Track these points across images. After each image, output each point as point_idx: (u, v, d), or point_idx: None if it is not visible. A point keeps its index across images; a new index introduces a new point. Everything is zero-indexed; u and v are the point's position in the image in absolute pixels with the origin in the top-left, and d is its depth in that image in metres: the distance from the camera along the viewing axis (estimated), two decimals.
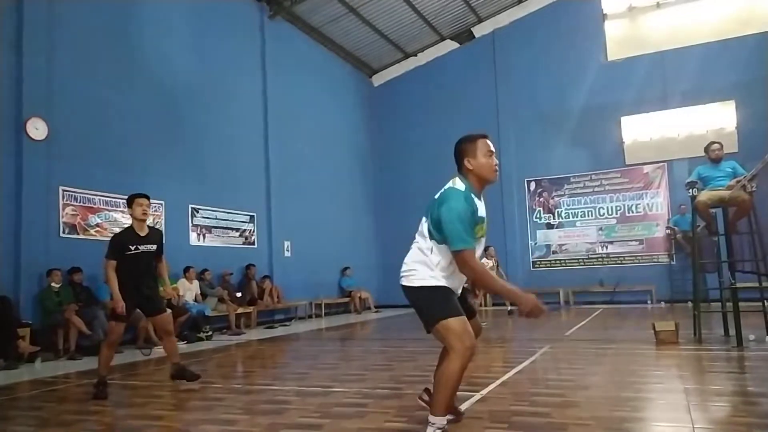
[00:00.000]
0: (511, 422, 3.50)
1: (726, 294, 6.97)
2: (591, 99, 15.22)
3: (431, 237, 3.06)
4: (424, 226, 3.13)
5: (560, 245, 15.67)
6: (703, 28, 14.31)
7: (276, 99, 13.48)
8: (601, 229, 15.27)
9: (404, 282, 3.15)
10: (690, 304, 11.04)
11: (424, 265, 3.07)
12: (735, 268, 6.90)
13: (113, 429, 4.06)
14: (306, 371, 6.08)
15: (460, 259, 2.93)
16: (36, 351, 7.39)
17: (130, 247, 5.02)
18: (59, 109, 8.69)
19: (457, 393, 3.63)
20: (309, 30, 15.06)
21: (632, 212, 14.95)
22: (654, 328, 6.85)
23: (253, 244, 12.66)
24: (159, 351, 7.95)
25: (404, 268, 3.16)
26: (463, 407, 3.79)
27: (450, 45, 17.21)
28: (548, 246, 15.80)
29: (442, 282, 3.06)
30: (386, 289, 16.17)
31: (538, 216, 15.96)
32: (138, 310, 5.32)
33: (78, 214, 8.88)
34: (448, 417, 3.27)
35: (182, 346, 8.19)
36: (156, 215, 10.00)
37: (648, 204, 14.81)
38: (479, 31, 16.81)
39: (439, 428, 3.01)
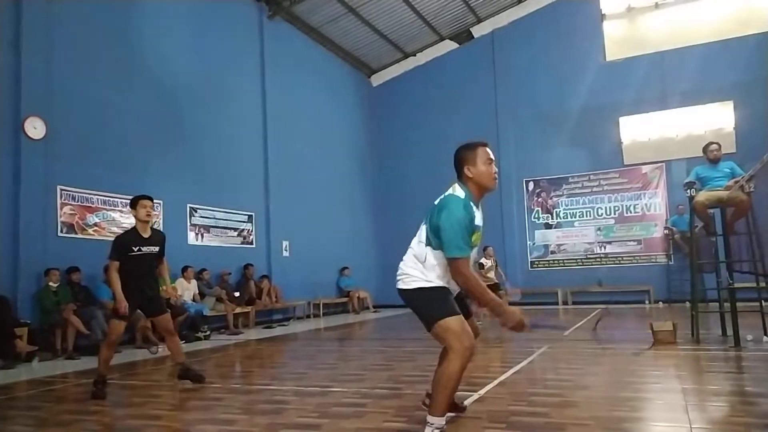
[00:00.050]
0: (510, 422, 3.51)
1: (724, 294, 6.98)
2: (590, 99, 15.24)
3: (428, 243, 3.08)
4: (422, 231, 3.15)
5: (558, 245, 15.69)
6: (701, 28, 14.34)
7: (275, 99, 13.47)
8: (599, 229, 15.29)
9: (401, 285, 3.17)
10: (688, 304, 11.10)
11: (420, 270, 3.10)
12: (733, 269, 6.91)
13: (112, 429, 4.06)
14: (304, 371, 6.08)
15: (455, 267, 2.95)
16: (34, 350, 7.39)
17: (133, 248, 5.05)
18: (58, 109, 8.68)
19: (457, 393, 3.66)
20: (308, 30, 15.05)
21: (630, 212, 14.97)
22: (652, 328, 6.85)
23: (252, 243, 12.66)
24: (162, 350, 7.96)
25: (400, 272, 3.19)
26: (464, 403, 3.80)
27: (449, 45, 17.21)
28: (546, 246, 15.81)
29: (438, 283, 3.09)
30: (385, 289, 16.16)
31: (536, 216, 15.98)
32: (138, 310, 5.34)
33: (76, 214, 8.87)
34: (449, 415, 3.28)
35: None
36: (154, 215, 9.98)
37: (646, 204, 14.83)
38: (478, 31, 16.82)
39: (437, 428, 3.02)
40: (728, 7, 14.27)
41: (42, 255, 8.20)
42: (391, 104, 17.89)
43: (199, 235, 11.29)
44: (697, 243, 7.73)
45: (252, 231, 12.67)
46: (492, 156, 3.18)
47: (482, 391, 4.39)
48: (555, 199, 15.76)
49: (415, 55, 17.55)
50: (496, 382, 4.79)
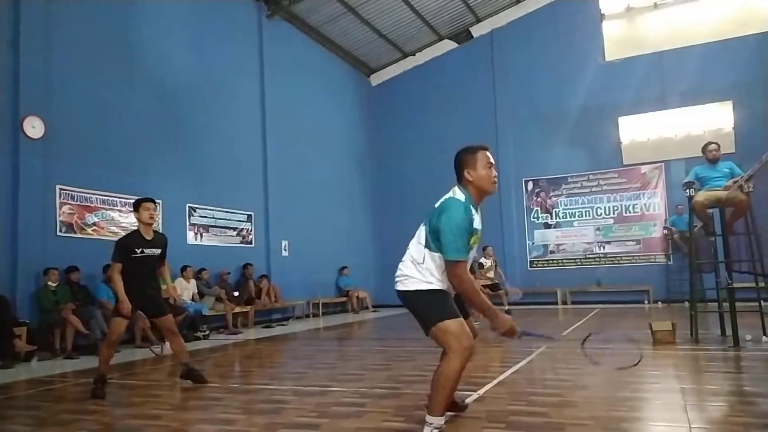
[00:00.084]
0: (509, 422, 3.51)
1: (723, 294, 6.99)
2: (589, 99, 15.25)
3: (427, 245, 3.09)
4: (422, 233, 3.16)
5: (558, 245, 15.69)
6: (700, 28, 14.35)
7: (274, 98, 13.47)
8: (598, 229, 15.29)
9: (399, 287, 3.19)
10: (687, 304, 11.11)
11: (418, 271, 3.11)
12: (732, 269, 6.91)
13: (111, 428, 4.05)
14: (303, 371, 6.08)
15: (452, 269, 2.97)
16: (33, 350, 7.38)
17: (136, 250, 5.08)
18: (57, 108, 8.67)
19: (456, 393, 3.66)
20: (307, 29, 15.05)
21: (629, 212, 14.98)
22: (651, 328, 6.86)
23: (251, 243, 12.65)
24: (161, 350, 7.95)
25: (398, 273, 3.21)
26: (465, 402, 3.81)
27: (448, 45, 17.21)
28: (546, 246, 15.82)
29: (436, 285, 3.10)
30: (384, 288, 16.16)
31: (535, 216, 15.98)
32: (138, 311, 5.36)
33: (75, 213, 8.87)
34: (449, 414, 3.29)
35: None
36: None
37: (645, 204, 14.84)
38: (477, 30, 16.82)
39: (436, 428, 3.03)
40: (727, 7, 14.28)
41: (41, 254, 8.20)
42: (390, 104, 17.89)
43: (199, 235, 11.29)
44: (696, 243, 7.74)
45: (251, 230, 12.67)
46: (492, 160, 3.20)
47: (481, 391, 4.39)
48: (554, 198, 15.77)
49: (414, 55, 17.55)
50: (495, 381, 4.79)
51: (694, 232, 7.55)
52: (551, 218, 15.80)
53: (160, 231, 5.51)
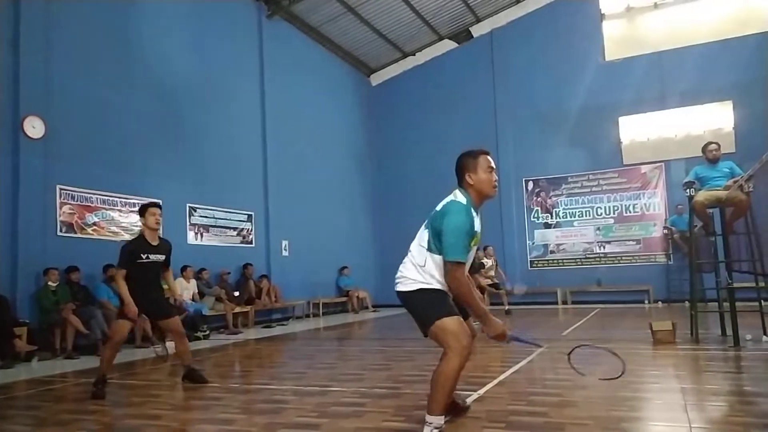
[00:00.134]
0: (509, 422, 3.51)
1: (723, 294, 6.99)
2: (589, 99, 15.24)
3: (429, 248, 3.12)
4: (423, 236, 3.18)
5: (558, 245, 15.69)
6: (700, 28, 14.34)
7: (274, 98, 13.47)
8: (598, 228, 15.29)
9: (399, 288, 3.21)
10: (687, 303, 11.10)
11: (419, 273, 3.14)
12: (732, 268, 6.91)
13: (111, 428, 4.05)
14: (303, 371, 6.08)
15: (451, 270, 3.00)
16: (33, 350, 7.39)
17: (141, 255, 5.10)
18: (57, 108, 8.67)
19: (456, 392, 3.66)
20: (307, 29, 15.05)
21: (630, 212, 14.97)
22: (651, 327, 6.86)
23: (251, 243, 12.66)
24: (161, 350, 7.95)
25: (399, 275, 3.24)
26: (467, 402, 3.80)
27: (448, 44, 17.21)
28: (546, 246, 15.81)
29: (436, 285, 3.12)
30: (384, 288, 16.16)
31: (535, 216, 15.98)
32: (143, 315, 5.39)
33: (75, 213, 8.87)
34: (448, 417, 3.29)
35: None
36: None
37: (645, 204, 14.83)
38: (477, 30, 16.82)
39: (436, 428, 3.03)
40: (727, 7, 14.27)
41: (41, 254, 8.20)
42: (390, 104, 17.89)
43: (199, 235, 11.29)
44: (697, 243, 7.74)
45: (251, 230, 12.67)
46: (493, 164, 3.23)
47: (482, 391, 4.39)
48: (554, 198, 15.77)
49: (414, 55, 17.55)
50: (495, 381, 4.79)
51: (695, 232, 7.54)
52: (551, 218, 15.80)
53: (166, 238, 5.50)
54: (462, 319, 3.12)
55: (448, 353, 2.99)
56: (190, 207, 11.10)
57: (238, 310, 11.14)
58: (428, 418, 3.06)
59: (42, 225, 8.30)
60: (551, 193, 15.79)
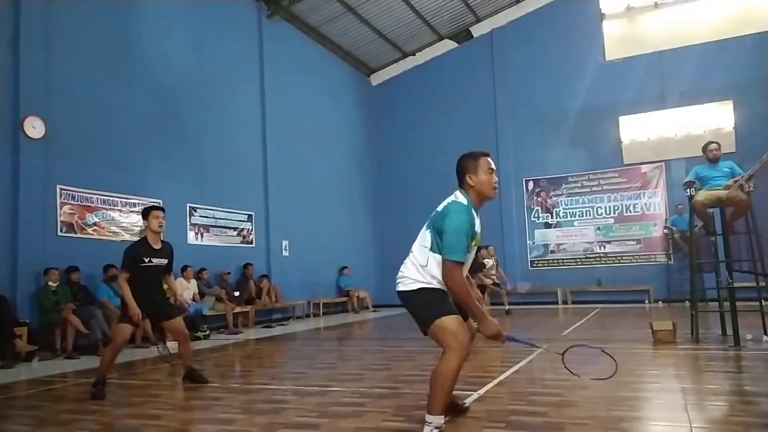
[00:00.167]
0: (509, 422, 3.51)
1: (723, 294, 6.98)
2: (589, 99, 15.24)
3: (431, 248, 3.14)
4: (426, 236, 3.20)
5: (558, 245, 15.68)
6: (701, 28, 14.34)
7: (274, 98, 13.47)
8: (598, 228, 15.29)
9: (400, 287, 3.24)
10: (687, 303, 11.10)
11: (420, 273, 3.17)
12: (732, 268, 6.91)
13: (111, 428, 4.05)
14: (303, 371, 6.08)
15: (449, 269, 3.02)
16: (33, 350, 7.39)
17: (144, 259, 5.12)
18: (57, 108, 8.68)
19: (456, 392, 3.66)
20: (307, 29, 15.05)
21: (630, 212, 14.97)
22: (651, 327, 6.85)
23: (251, 243, 12.66)
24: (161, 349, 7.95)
25: (400, 275, 3.26)
26: (465, 403, 3.80)
27: (448, 44, 17.21)
28: (546, 245, 15.81)
29: (437, 285, 3.14)
30: (384, 288, 16.16)
31: (536, 215, 15.98)
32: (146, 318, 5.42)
33: (76, 213, 8.87)
34: (448, 417, 3.30)
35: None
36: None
37: (646, 204, 14.83)
38: (477, 30, 16.82)
39: (436, 427, 3.03)
40: (727, 7, 14.27)
41: (41, 254, 8.20)
42: (390, 104, 17.89)
43: (199, 235, 11.29)
44: (697, 242, 7.73)
45: (251, 230, 12.67)
46: (493, 166, 3.27)
47: (482, 391, 4.39)
48: (554, 198, 15.76)
49: (414, 55, 17.55)
50: (495, 381, 4.79)
51: (695, 232, 7.54)
52: (551, 218, 15.80)
53: (168, 241, 5.51)
54: (462, 319, 3.13)
55: (446, 352, 3.01)
56: (190, 207, 11.10)
57: (238, 310, 11.14)
58: (428, 417, 3.06)
59: (42, 225, 8.30)
60: (551, 193, 15.79)
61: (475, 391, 4.36)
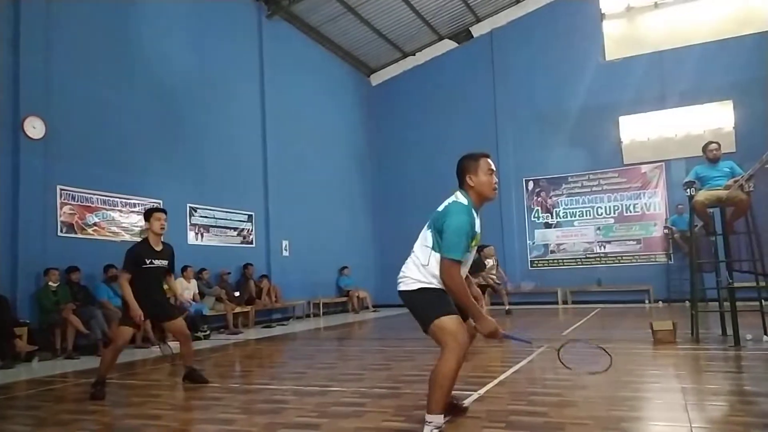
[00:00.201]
0: (509, 422, 3.51)
1: (723, 293, 6.98)
2: (589, 99, 15.24)
3: (433, 247, 3.17)
4: (428, 237, 3.23)
5: (558, 245, 15.68)
6: (701, 28, 14.34)
7: (274, 98, 13.47)
8: (598, 228, 15.29)
9: (402, 287, 3.27)
10: (687, 303, 11.10)
11: (422, 273, 3.20)
12: (732, 268, 6.91)
13: (111, 428, 4.05)
14: (303, 371, 6.08)
15: (446, 267, 3.05)
16: (33, 350, 7.39)
17: (146, 260, 5.14)
18: (57, 108, 8.67)
19: (456, 392, 3.66)
20: (307, 29, 15.05)
21: (630, 212, 14.97)
22: (651, 327, 6.86)
23: (251, 243, 12.66)
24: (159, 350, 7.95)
25: (401, 275, 3.29)
26: (464, 404, 3.80)
27: (448, 44, 17.21)
28: (546, 245, 15.81)
29: (438, 285, 3.16)
30: (384, 288, 16.17)
31: (536, 215, 15.98)
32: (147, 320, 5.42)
33: (76, 213, 8.87)
34: (448, 417, 3.31)
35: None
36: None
37: (646, 204, 14.83)
38: (477, 30, 16.82)
39: (436, 427, 3.04)
40: (727, 6, 14.27)
41: (41, 255, 8.20)
42: (390, 104, 17.89)
43: (199, 235, 11.29)
44: (697, 242, 7.73)
45: (252, 231, 12.67)
46: (493, 167, 3.30)
47: (482, 391, 4.39)
48: (554, 198, 15.76)
49: (414, 55, 17.55)
50: (495, 381, 4.79)
51: (695, 232, 7.54)
52: (552, 218, 15.80)
53: (168, 243, 5.52)
54: (461, 318, 3.14)
55: (445, 352, 3.04)
56: (190, 207, 11.10)
57: (238, 310, 11.14)
58: (428, 417, 3.07)
59: (42, 225, 8.30)
60: (551, 193, 15.79)
61: (475, 391, 4.36)
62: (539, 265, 15.83)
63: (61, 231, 8.64)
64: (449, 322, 3.07)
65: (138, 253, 5.15)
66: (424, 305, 3.16)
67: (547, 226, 15.84)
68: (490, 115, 16.29)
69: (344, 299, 15.30)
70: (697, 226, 7.43)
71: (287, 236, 13.58)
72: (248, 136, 12.82)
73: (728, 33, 14.02)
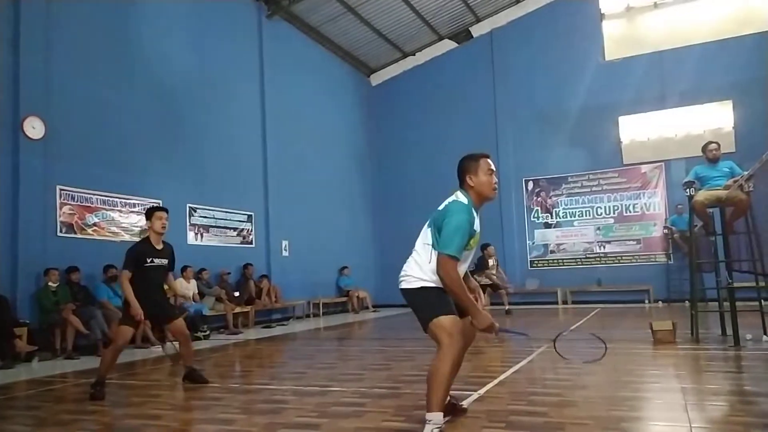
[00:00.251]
0: (509, 422, 3.51)
1: (723, 293, 6.99)
2: (589, 99, 15.24)
3: (433, 245, 3.22)
4: (427, 234, 3.29)
5: (558, 245, 15.69)
6: (700, 28, 14.35)
7: (274, 98, 13.47)
8: (598, 228, 15.29)
9: (403, 285, 3.31)
10: (687, 303, 11.10)
11: (423, 271, 3.24)
12: (732, 268, 6.91)
13: (111, 428, 4.05)
14: (303, 371, 6.08)
15: (442, 263, 3.09)
16: (33, 350, 7.39)
17: (147, 259, 5.14)
18: (57, 108, 8.67)
19: (456, 392, 3.67)
20: (307, 29, 15.05)
21: (630, 212, 14.97)
22: (651, 327, 6.86)
23: (251, 243, 12.66)
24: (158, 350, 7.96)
25: (403, 273, 3.34)
26: (463, 405, 3.80)
27: (448, 44, 17.21)
28: (546, 245, 15.81)
29: (438, 284, 3.19)
30: (384, 288, 16.18)
31: (536, 215, 15.98)
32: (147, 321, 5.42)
33: (75, 214, 8.87)
34: (448, 417, 3.32)
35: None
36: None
37: (645, 204, 14.83)
38: (477, 30, 16.82)
39: (436, 425, 3.05)
40: (727, 6, 14.28)
41: (41, 255, 8.20)
42: (390, 104, 17.89)
43: (199, 235, 11.29)
44: (697, 242, 7.73)
45: (251, 231, 12.67)
46: (493, 167, 3.37)
47: (482, 391, 4.39)
48: (554, 198, 15.77)
49: (414, 55, 17.55)
50: (495, 381, 4.79)
51: (695, 232, 7.54)
52: (551, 218, 15.80)
53: (168, 242, 5.53)
54: (459, 318, 3.18)
55: (441, 350, 3.09)
56: (190, 207, 11.10)
57: (238, 310, 11.14)
58: (428, 416, 3.09)
59: (42, 225, 8.30)
60: (551, 193, 15.79)
61: (475, 391, 4.36)
62: (539, 265, 15.83)
63: (61, 231, 8.64)
64: (446, 321, 3.11)
65: (139, 251, 5.16)
66: (424, 304, 3.20)
67: (547, 226, 15.84)
68: (490, 115, 16.29)
69: (344, 299, 15.30)
70: (696, 226, 7.43)
71: (287, 236, 13.58)
72: (248, 136, 12.82)
73: (728, 33, 14.02)
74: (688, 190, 7.16)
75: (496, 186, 3.37)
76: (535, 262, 15.88)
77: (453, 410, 3.58)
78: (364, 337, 10.17)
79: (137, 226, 9.53)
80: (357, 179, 17.22)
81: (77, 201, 8.92)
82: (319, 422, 3.69)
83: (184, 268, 10.16)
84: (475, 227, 3.22)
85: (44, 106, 8.47)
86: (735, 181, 6.50)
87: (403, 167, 17.43)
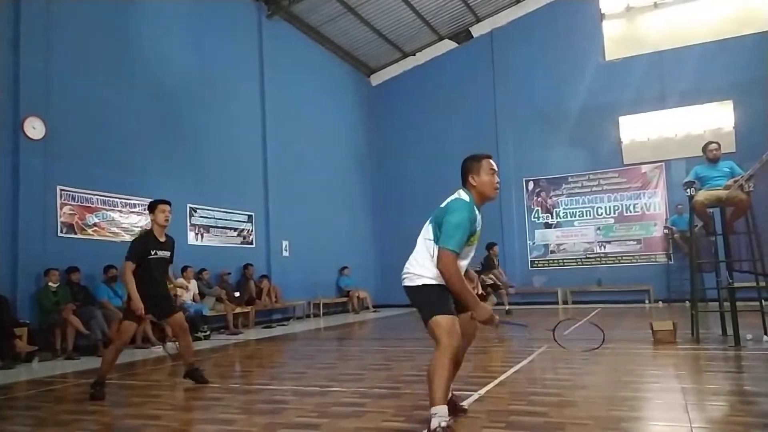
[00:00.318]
0: (509, 422, 3.51)
1: (723, 294, 6.98)
2: (589, 99, 15.24)
3: (435, 241, 3.28)
4: (429, 230, 3.36)
5: (558, 245, 15.68)
6: (700, 28, 14.34)
7: (274, 99, 13.47)
8: (599, 228, 15.29)
9: (406, 283, 3.38)
10: (687, 303, 11.10)
11: (425, 268, 3.30)
12: (732, 268, 6.91)
13: (111, 428, 4.05)
14: (304, 371, 6.08)
15: (442, 257, 3.16)
16: (33, 351, 7.38)
17: (151, 251, 5.15)
18: (57, 109, 8.67)
19: (457, 392, 3.67)
20: (307, 29, 15.05)
21: (630, 212, 14.97)
22: (651, 327, 6.85)
23: (252, 243, 12.65)
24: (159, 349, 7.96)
25: (405, 271, 3.40)
26: (464, 405, 3.80)
27: (448, 45, 17.21)
28: (546, 245, 15.81)
29: (439, 281, 3.25)
30: (384, 288, 16.18)
31: (536, 216, 15.98)
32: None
33: (76, 214, 8.87)
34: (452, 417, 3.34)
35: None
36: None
37: (646, 204, 14.83)
38: (477, 30, 16.82)
39: (442, 417, 3.07)
40: (727, 6, 14.27)
41: (41, 255, 8.20)
42: (390, 104, 17.89)
43: (199, 235, 11.29)
44: (697, 242, 7.73)
45: (252, 231, 12.67)
46: (495, 167, 3.44)
47: (482, 391, 4.39)
48: (555, 198, 15.76)
49: (414, 55, 17.55)
50: (495, 381, 4.79)
51: (695, 232, 7.54)
52: (552, 218, 15.80)
53: (169, 234, 5.54)
54: (457, 318, 3.23)
55: (438, 348, 3.15)
56: (190, 207, 11.10)
57: (238, 310, 11.13)
58: (433, 409, 3.12)
59: (42, 225, 8.29)
60: (551, 193, 15.79)
61: (476, 391, 4.36)
62: (539, 265, 15.83)
63: (61, 231, 8.64)
64: (444, 320, 3.16)
65: (145, 242, 5.18)
66: (424, 302, 3.27)
67: (547, 226, 15.84)
68: (490, 115, 16.29)
69: (344, 299, 15.30)
70: (697, 226, 7.43)
71: (287, 236, 13.58)
72: (248, 136, 12.82)
73: (728, 33, 14.02)
74: (688, 190, 7.15)
75: (498, 186, 3.44)
76: (536, 262, 15.88)
77: (453, 410, 3.58)
78: (364, 337, 10.17)
79: (137, 227, 9.52)
80: (357, 179, 17.22)
81: (77, 201, 8.92)
82: (319, 422, 3.69)
83: (184, 269, 10.16)
84: (476, 225, 3.29)
85: (44, 106, 8.47)
86: (735, 181, 6.50)
87: (403, 167, 17.43)
